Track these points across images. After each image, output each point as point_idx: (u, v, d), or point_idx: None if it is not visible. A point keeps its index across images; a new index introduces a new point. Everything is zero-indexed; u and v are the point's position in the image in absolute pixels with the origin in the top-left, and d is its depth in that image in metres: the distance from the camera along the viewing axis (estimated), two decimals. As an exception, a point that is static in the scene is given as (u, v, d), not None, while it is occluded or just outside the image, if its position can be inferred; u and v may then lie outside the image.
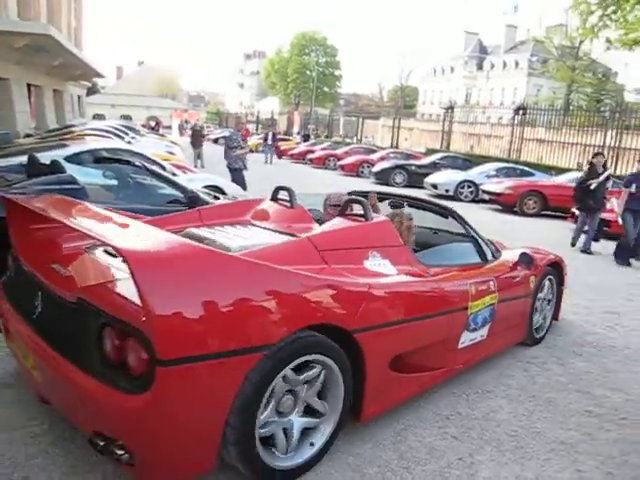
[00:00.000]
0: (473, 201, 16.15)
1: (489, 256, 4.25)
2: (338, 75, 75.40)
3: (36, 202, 3.00)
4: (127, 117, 49.91)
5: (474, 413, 3.42)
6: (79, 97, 35.28)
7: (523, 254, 4.43)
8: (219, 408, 2.25)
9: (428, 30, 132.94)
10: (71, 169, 7.08)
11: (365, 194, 4.30)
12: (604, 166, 9.82)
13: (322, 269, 2.83)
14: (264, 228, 3.59)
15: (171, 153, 15.54)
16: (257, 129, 51.15)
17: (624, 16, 31.85)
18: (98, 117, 46.56)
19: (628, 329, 5.44)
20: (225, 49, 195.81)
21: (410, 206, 4.51)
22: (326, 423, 2.73)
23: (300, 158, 28.14)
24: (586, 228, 10.02)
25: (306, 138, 37.61)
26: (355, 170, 22.58)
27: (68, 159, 8.10)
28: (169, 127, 42.30)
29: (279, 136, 38.32)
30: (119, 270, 2.56)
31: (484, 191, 15.36)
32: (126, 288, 2.28)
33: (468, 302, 3.58)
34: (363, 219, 3.34)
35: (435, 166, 19.20)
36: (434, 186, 16.84)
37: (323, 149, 28.19)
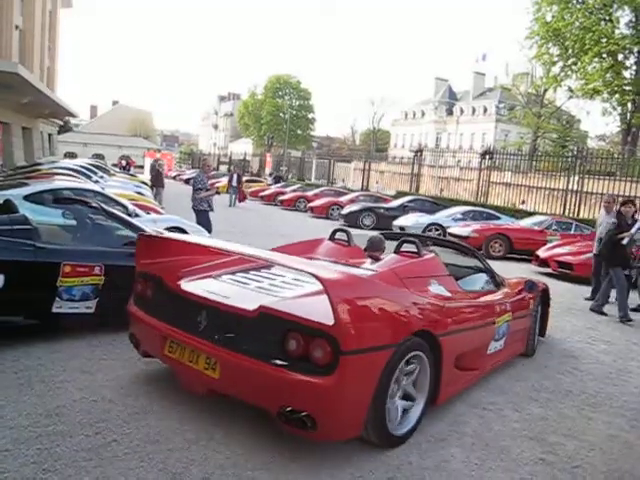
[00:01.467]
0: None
1: (499, 284, 5.45)
2: (311, 118, 76.64)
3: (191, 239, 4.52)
4: (100, 156, 49.66)
5: (425, 462, 3.35)
6: (50, 135, 35.12)
7: (529, 281, 5.82)
8: (370, 388, 3.18)
9: (400, 75, 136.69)
10: (29, 208, 7.00)
11: (399, 236, 5.09)
12: (633, 216, 8.67)
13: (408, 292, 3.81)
14: (333, 262, 4.55)
15: (140, 193, 15.47)
16: (229, 170, 51.40)
17: (584, 67, 33.43)
18: (70, 155, 46.35)
19: (585, 373, 5.47)
20: (200, 90, 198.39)
21: (435, 244, 5.74)
22: (417, 405, 3.71)
23: (271, 200, 28.25)
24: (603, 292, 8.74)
25: (278, 180, 37.84)
26: (325, 212, 22.72)
27: (27, 198, 8.01)
28: (142, 167, 42.23)
29: (250, 177, 38.56)
30: (282, 290, 3.71)
31: (451, 234, 15.56)
32: (299, 304, 3.37)
33: (495, 318, 4.74)
34: (417, 255, 4.39)
35: (404, 209, 19.48)
36: (401, 229, 16.99)
37: (294, 191, 28.39)
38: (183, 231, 8.44)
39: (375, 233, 5.43)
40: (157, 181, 19.76)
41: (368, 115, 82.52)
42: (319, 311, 3.07)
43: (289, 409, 3.04)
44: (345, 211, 20.63)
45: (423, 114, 76.82)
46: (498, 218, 16.91)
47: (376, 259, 4.73)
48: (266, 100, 73.71)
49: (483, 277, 5.44)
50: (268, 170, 47.57)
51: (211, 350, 3.35)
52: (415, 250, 4.43)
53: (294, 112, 72.49)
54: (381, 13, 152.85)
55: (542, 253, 12.28)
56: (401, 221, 17.51)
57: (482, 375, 4.71)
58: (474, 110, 69.77)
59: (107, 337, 5.02)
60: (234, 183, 24.08)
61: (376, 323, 3.22)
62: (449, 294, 4.27)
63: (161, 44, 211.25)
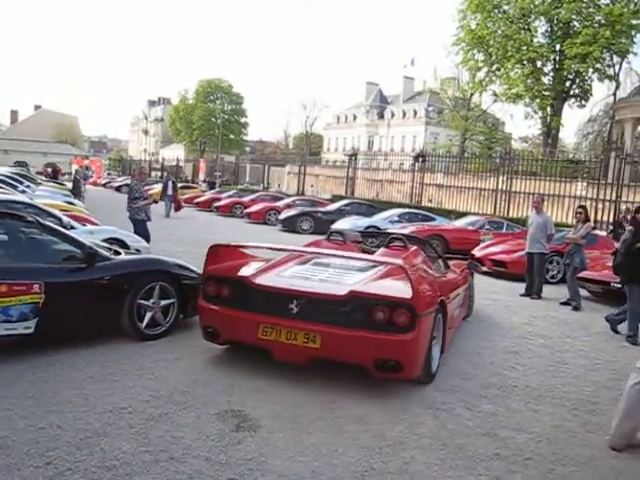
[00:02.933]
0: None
1: (448, 266, 7.06)
2: (244, 122, 76.14)
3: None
4: (22, 164, 47.33)
5: (388, 467, 3.38)
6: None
7: (472, 263, 8.14)
8: (428, 338, 4.69)
9: (332, 79, 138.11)
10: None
11: (368, 233, 8.20)
12: None
13: None
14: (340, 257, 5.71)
15: (70, 203, 14.81)
16: (162, 177, 50.25)
17: (507, 73, 35.00)
18: (-12, 164, 43.95)
19: (527, 368, 5.70)
20: (128, 95, 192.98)
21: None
22: (437, 350, 5.13)
23: (206, 206, 27.84)
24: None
25: (212, 186, 37.36)
26: (262, 218, 22.61)
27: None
28: (69, 174, 40.58)
29: (184, 183, 37.81)
30: (342, 278, 5.06)
31: (389, 236, 15.81)
32: (377, 286, 4.78)
33: (458, 290, 6.47)
34: (404, 248, 5.97)
35: (340, 212, 19.68)
36: (339, 233, 17.09)
37: (229, 197, 28.10)
38: (122, 242, 8.17)
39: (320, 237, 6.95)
40: (78, 191, 18.84)
41: (301, 119, 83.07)
42: (392, 289, 4.69)
43: (382, 360, 4.39)
44: (283, 216, 20.62)
45: (355, 118, 77.91)
46: (434, 219, 17.37)
47: (370, 254, 6.44)
48: (197, 105, 72.66)
49: (440, 261, 7.09)
50: (202, 176, 46.89)
51: (309, 327, 4.49)
52: (402, 244, 6.11)
53: (226, 117, 71.82)
54: (311, 16, 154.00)
55: (477, 252, 12.69)
56: (339, 225, 17.59)
57: (456, 328, 6.53)
58: (404, 113, 71.39)
59: (48, 358, 4.79)
60: (169, 191, 22.39)
61: (430, 294, 4.88)
62: (437, 274, 5.97)
63: (87, 45, 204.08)
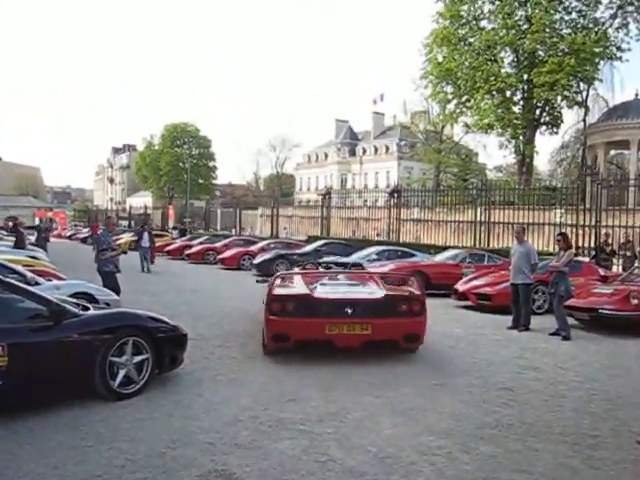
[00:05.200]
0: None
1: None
2: (212, 166, 76.68)
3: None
4: (-19, 220, 46.64)
5: (385, 521, 3.27)
6: None
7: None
8: None
9: (300, 119, 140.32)
10: None
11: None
12: None
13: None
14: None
15: (34, 257, 14.56)
16: (130, 225, 49.94)
17: (477, 104, 36.04)
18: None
19: (521, 404, 5.66)
20: (92, 143, 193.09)
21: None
22: None
23: (177, 254, 27.67)
24: None
25: (183, 233, 37.19)
26: (236, 263, 22.51)
27: None
28: (32, 227, 40.03)
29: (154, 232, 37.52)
30: (366, 287, 7.94)
31: (369, 274, 15.83)
32: (398, 290, 7.97)
33: None
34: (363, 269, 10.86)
35: (317, 253, 19.61)
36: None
37: (201, 243, 28.06)
38: (90, 296, 8.02)
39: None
40: (22, 244, 18.03)
41: (271, 160, 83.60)
42: (407, 290, 7.77)
43: (408, 334, 7.22)
44: (257, 260, 20.55)
45: (326, 156, 78.95)
46: (413, 255, 17.45)
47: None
48: (164, 150, 73.05)
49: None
50: (171, 223, 46.73)
51: (363, 321, 7.01)
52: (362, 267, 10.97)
53: (194, 161, 72.24)
54: (275, 53, 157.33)
55: (460, 287, 12.76)
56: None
57: None
58: (376, 149, 72.64)
59: (14, 425, 4.60)
60: (145, 243, 20.70)
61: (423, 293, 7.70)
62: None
63: (46, 93, 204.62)
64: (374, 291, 7.59)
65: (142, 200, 71.76)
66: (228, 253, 23.62)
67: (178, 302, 12.09)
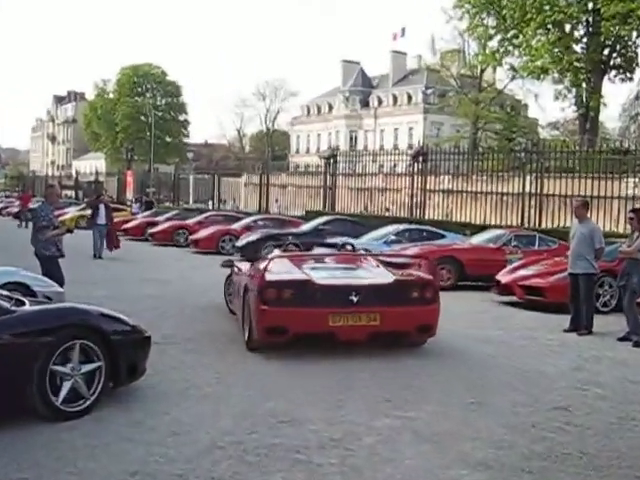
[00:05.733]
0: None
1: None
2: (184, 121, 76.50)
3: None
4: None
5: None
6: None
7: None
8: None
9: (297, 61, 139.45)
10: None
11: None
12: None
13: None
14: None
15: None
16: (77, 196, 49.96)
17: (527, 41, 35.63)
18: None
19: (581, 428, 5.67)
20: (29, 91, 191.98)
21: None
22: None
23: (138, 234, 27.71)
24: None
25: (149, 206, 37.11)
26: (214, 245, 22.58)
27: None
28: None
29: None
30: (370, 272, 8.56)
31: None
32: (406, 274, 8.76)
33: None
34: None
35: (318, 233, 19.55)
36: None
37: (168, 219, 28.18)
38: (26, 288, 8.04)
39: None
40: None
41: (260, 113, 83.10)
42: (418, 275, 8.57)
43: (421, 325, 7.91)
44: (241, 242, 20.49)
45: (330, 108, 78.76)
46: (443, 236, 17.43)
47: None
48: (120, 99, 72.84)
49: None
50: (131, 194, 46.66)
51: (370, 310, 7.60)
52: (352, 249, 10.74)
53: (160, 114, 72.03)
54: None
55: (503, 277, 12.75)
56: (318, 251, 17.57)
57: None
58: (395, 99, 72.42)
59: None
60: (101, 220, 20.08)
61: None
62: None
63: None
64: (380, 275, 8.23)
65: (92, 164, 71.77)
66: (204, 233, 23.61)
67: (139, 295, 12.11)
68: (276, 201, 33.58)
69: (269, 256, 8.96)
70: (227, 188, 41.35)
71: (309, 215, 26.12)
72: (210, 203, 39.80)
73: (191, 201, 45.37)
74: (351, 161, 31.06)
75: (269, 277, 7.78)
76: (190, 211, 32.22)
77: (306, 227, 21.43)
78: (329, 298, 7.62)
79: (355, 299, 7.53)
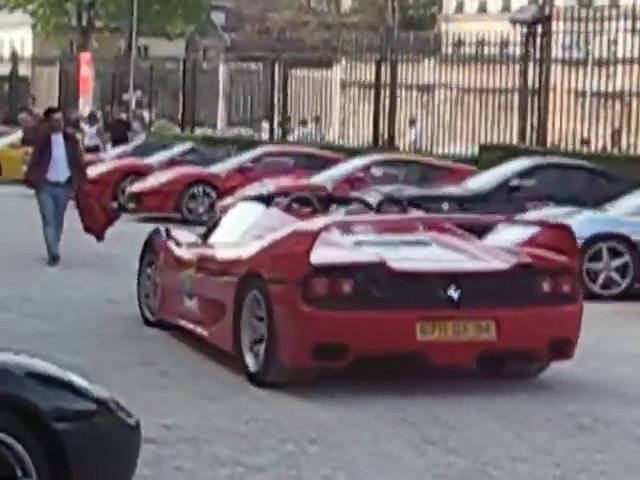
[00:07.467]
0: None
1: None
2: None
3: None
4: None
5: None
6: None
7: None
8: None
9: None
10: None
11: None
12: None
13: None
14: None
15: None
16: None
17: None
18: None
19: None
20: None
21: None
22: None
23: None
24: None
25: (121, 130, 37.86)
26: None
27: None
28: None
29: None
30: (462, 246, 10.79)
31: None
32: (535, 253, 11.02)
33: None
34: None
35: (509, 197, 20.23)
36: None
37: (172, 163, 29.63)
38: None
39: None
40: None
41: None
42: (549, 255, 10.43)
43: (556, 339, 9.83)
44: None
45: None
46: None
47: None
48: None
49: None
50: (86, 104, 47.35)
51: (481, 314, 9.14)
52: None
53: None
54: None
55: None
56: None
57: None
58: None
59: None
60: (56, 172, 21.76)
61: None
62: None
63: None
64: (487, 254, 9.47)
65: (6, 38, 73.58)
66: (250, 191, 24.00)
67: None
68: (412, 123, 33.79)
69: (306, 224, 9.77)
70: (301, 92, 41.64)
71: (486, 154, 26.14)
72: (265, 125, 40.32)
73: (220, 121, 46.07)
74: (583, 32, 30.80)
75: (317, 259, 8.63)
76: (218, 144, 32.78)
77: (480, 182, 21.56)
78: (414, 294, 8.56)
79: (455, 295, 8.70)
